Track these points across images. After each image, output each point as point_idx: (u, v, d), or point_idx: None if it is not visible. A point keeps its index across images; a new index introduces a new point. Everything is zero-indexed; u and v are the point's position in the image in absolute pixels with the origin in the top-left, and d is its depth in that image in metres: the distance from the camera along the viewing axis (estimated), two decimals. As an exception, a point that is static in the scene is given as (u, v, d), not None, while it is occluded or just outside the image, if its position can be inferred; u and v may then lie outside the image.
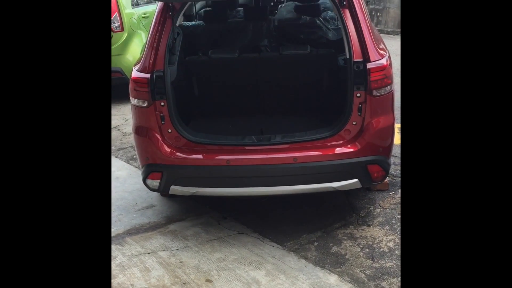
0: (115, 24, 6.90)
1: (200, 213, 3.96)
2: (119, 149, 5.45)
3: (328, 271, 3.19)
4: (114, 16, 6.90)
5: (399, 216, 3.72)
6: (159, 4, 3.63)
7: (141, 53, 3.75)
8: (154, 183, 3.49)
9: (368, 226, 3.67)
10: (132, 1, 7.34)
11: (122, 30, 6.96)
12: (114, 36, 6.90)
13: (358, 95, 3.29)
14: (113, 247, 3.54)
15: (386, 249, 3.38)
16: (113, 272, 3.24)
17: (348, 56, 3.36)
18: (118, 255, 3.45)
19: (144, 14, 7.40)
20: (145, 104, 3.43)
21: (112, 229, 3.77)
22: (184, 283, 3.12)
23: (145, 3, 7.75)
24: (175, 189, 3.46)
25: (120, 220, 3.92)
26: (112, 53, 6.85)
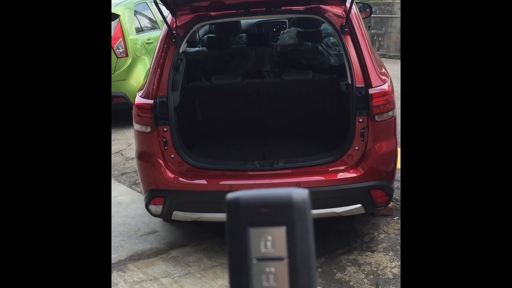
0: (119, 50, 6.97)
1: (203, 238, 3.93)
2: (122, 174, 5.45)
3: (332, 298, 3.15)
4: (119, 42, 6.97)
5: (403, 242, 3.68)
6: (163, 31, 3.68)
7: (144, 79, 3.79)
8: (157, 208, 3.48)
9: (372, 252, 3.63)
10: (136, 28, 7.44)
11: (126, 55, 7.03)
12: (118, 61, 6.96)
13: (361, 120, 3.30)
14: (114, 273, 3.51)
15: (391, 276, 3.34)
16: (114, 299, 3.21)
17: (350, 82, 3.38)
18: (120, 282, 3.41)
19: (148, 40, 7.49)
20: (148, 129, 3.45)
21: (113, 255, 3.74)
22: (186, 311, 3.09)
23: (149, 29, 7.85)
24: (177, 214, 3.45)
25: (122, 246, 3.89)
26: (116, 78, 6.91)
